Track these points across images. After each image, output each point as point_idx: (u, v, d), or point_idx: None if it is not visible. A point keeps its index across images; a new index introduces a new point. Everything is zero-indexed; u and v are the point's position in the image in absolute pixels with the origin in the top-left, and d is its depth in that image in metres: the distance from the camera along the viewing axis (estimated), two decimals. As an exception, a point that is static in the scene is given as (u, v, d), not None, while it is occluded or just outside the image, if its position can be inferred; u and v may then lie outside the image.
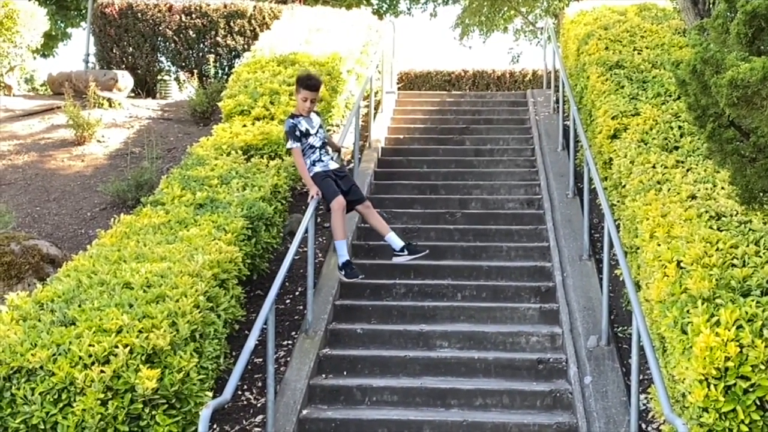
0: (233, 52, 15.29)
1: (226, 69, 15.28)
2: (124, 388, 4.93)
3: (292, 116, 7.67)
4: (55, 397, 4.93)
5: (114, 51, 16.09)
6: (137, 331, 5.19)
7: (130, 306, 5.52)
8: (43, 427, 4.90)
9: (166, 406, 5.04)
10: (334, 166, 7.85)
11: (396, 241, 7.77)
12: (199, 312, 5.64)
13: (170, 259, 6.26)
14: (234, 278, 6.62)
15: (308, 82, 7.63)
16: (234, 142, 9.10)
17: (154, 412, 4.99)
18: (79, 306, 5.57)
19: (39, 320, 5.45)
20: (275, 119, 9.73)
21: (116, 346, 5.05)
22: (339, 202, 7.55)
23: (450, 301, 7.99)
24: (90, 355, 5.01)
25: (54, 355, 5.06)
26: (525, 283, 8.19)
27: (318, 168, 7.64)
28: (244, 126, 9.61)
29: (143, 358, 5.05)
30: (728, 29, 4.19)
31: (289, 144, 7.59)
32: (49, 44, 23.21)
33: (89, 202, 10.27)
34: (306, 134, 7.61)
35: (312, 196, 7.50)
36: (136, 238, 6.85)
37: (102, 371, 4.91)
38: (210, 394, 5.59)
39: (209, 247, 6.54)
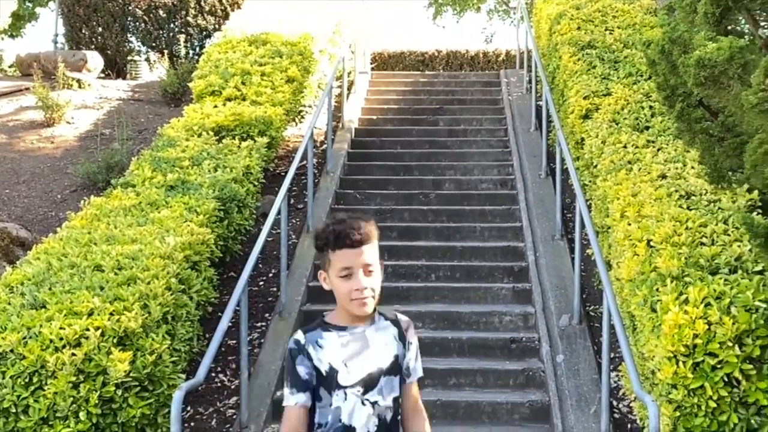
0: (204, 32, 15.16)
1: (198, 49, 15.15)
2: (96, 371, 4.92)
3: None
4: (27, 380, 4.90)
5: (83, 31, 15.90)
6: (108, 313, 5.18)
7: (101, 288, 5.50)
8: (14, 410, 4.87)
9: (139, 388, 5.03)
10: None
11: None
12: (171, 294, 5.63)
13: (141, 242, 6.24)
14: (206, 260, 6.61)
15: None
16: (205, 123, 9.05)
17: (126, 395, 4.98)
18: (50, 289, 5.53)
19: (9, 303, 5.41)
20: (247, 100, 9.68)
21: (87, 329, 5.03)
22: None
23: (424, 281, 8.03)
24: (61, 338, 4.98)
25: (24, 338, 5.03)
26: (498, 263, 8.25)
27: None
28: (216, 107, 9.56)
29: (115, 340, 5.04)
30: (696, 9, 4.22)
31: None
32: (16, 25, 22.87)
33: (59, 184, 10.17)
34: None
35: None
36: (107, 220, 6.80)
37: (73, 354, 4.89)
38: (183, 376, 5.59)
39: (181, 228, 6.52)
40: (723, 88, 3.93)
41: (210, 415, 6.22)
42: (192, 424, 6.12)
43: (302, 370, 2.64)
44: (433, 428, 6.04)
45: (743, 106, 3.78)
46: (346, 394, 2.65)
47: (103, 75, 14.90)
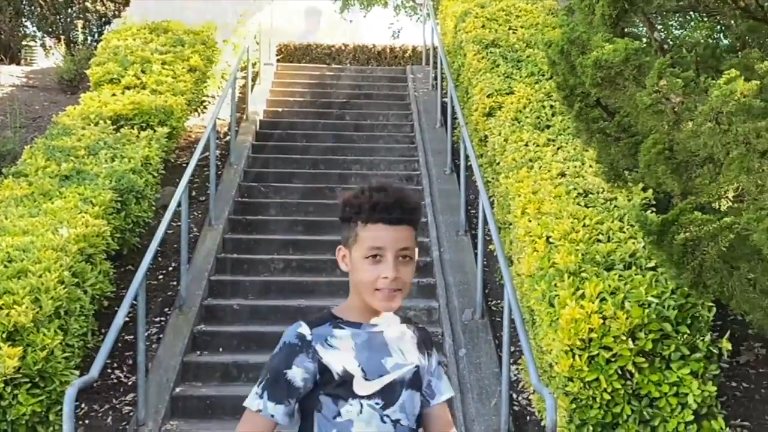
0: (103, 18, 14.74)
1: (96, 36, 14.69)
2: (-18, 367, 4.73)
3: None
4: None
5: (-28, 13, 15.22)
6: (-4, 307, 4.98)
7: (-11, 282, 5.29)
8: None
9: (30, 385, 4.86)
10: None
11: None
12: (64, 288, 5.44)
13: (33, 233, 6.01)
14: (102, 253, 6.42)
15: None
16: (103, 111, 8.79)
17: (16, 392, 4.80)
18: (-67, 282, 5.29)
19: None
20: (147, 88, 9.44)
21: (-26, 324, 4.83)
22: None
23: (329, 275, 8.00)
24: (-55, 333, 4.78)
25: None
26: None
27: None
28: (114, 95, 9.29)
29: (4, 335, 4.85)
30: (594, 11, 4.34)
31: None
32: None
33: (-55, 172, 9.71)
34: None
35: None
36: (-4, 211, 6.55)
37: (-42, 350, 4.70)
38: (77, 372, 5.42)
39: (75, 220, 6.32)
40: (619, 89, 4.04)
41: (105, 413, 6.05)
42: (87, 421, 5.94)
43: (298, 374, 2.08)
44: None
45: (638, 106, 3.90)
46: (362, 405, 2.10)
47: (-6, 61, 14.31)
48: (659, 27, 4.95)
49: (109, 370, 6.47)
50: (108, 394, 6.22)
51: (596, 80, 4.03)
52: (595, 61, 3.98)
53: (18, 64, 15.05)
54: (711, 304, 5.07)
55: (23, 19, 15.25)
